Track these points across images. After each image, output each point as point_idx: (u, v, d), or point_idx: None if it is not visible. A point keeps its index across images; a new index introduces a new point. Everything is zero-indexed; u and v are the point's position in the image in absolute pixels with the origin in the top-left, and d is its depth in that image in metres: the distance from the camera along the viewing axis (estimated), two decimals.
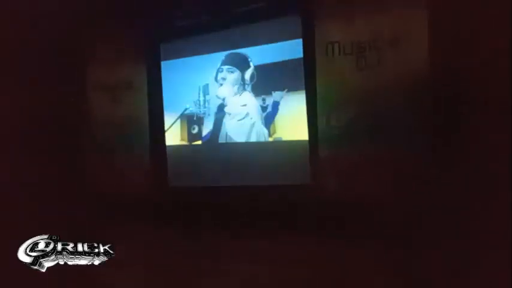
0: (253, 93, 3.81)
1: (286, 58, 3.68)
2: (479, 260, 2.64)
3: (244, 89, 3.84)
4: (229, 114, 3.91)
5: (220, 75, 3.96)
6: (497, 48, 2.66)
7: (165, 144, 4.23)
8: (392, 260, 2.97)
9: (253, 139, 3.79)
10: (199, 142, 4.11)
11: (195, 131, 4.10)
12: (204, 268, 3.56)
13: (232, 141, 3.93)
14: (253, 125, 3.79)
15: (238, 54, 3.90)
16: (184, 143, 4.18)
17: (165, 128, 4.22)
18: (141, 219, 3.93)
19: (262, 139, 3.78)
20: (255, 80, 3.81)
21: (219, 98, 3.95)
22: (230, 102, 3.91)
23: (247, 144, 3.87)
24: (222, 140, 3.98)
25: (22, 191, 3.56)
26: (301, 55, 3.58)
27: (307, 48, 3.52)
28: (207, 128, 4.05)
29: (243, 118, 3.83)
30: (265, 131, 3.75)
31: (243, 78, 3.85)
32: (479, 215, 2.67)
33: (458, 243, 2.73)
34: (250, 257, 3.48)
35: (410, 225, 2.92)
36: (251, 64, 3.83)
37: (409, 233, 2.92)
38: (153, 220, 3.93)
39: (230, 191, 3.85)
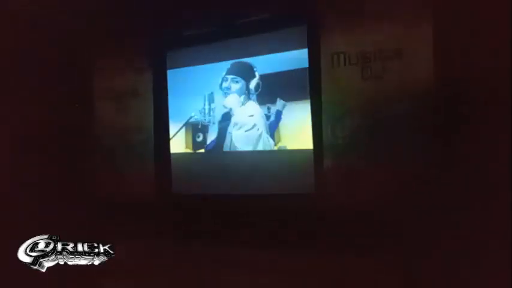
0: (258, 102, 3.81)
1: (292, 68, 3.69)
2: (480, 265, 2.62)
3: (249, 98, 3.86)
4: (237, 124, 3.91)
5: (224, 84, 3.98)
6: (501, 59, 2.66)
7: (169, 151, 4.25)
8: (396, 268, 2.95)
9: (259, 149, 3.79)
10: (204, 150, 4.13)
11: (200, 139, 4.11)
12: (206, 275, 3.54)
13: (238, 150, 3.92)
14: (260, 135, 3.79)
15: (244, 63, 3.92)
16: (189, 150, 4.18)
17: (170, 135, 4.24)
18: (144, 224, 3.92)
19: (268, 149, 3.77)
20: (259, 90, 3.82)
21: (226, 107, 3.96)
22: (237, 113, 3.91)
23: (251, 153, 3.87)
24: (226, 148, 3.98)
25: (25, 195, 3.59)
26: (306, 65, 3.60)
27: (313, 58, 3.54)
28: (211, 137, 4.06)
29: (251, 129, 3.84)
30: (272, 141, 3.76)
31: (247, 88, 3.87)
32: (481, 226, 2.65)
33: (461, 256, 2.72)
34: (253, 265, 3.45)
35: (415, 234, 2.91)
36: (256, 74, 3.84)
37: (414, 242, 2.91)
38: (156, 226, 3.92)
39: (234, 199, 3.84)
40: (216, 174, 4.01)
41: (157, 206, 4.07)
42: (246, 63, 3.91)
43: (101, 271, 2.88)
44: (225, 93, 3.98)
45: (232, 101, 3.93)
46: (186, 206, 4.01)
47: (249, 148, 3.84)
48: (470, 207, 2.70)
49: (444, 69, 2.91)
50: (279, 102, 3.71)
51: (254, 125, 3.82)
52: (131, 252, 3.58)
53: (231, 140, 3.95)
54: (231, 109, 3.94)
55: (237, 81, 3.94)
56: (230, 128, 3.95)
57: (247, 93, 3.87)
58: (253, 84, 3.86)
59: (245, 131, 3.85)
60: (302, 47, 3.62)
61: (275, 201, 3.63)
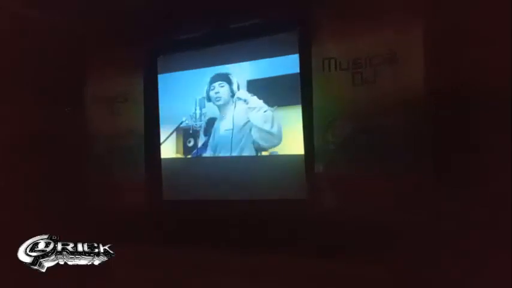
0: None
1: (283, 73, 3.72)
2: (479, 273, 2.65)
3: (234, 101, 3.95)
4: (255, 108, 3.86)
5: (212, 92, 4.03)
6: (497, 63, 2.71)
7: (160, 157, 4.22)
8: (388, 275, 2.96)
9: (275, 126, 3.75)
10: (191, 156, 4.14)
11: (191, 144, 4.11)
12: (197, 281, 3.53)
13: (259, 127, 3.85)
14: (273, 116, 3.78)
15: (219, 73, 4.01)
16: (180, 156, 4.17)
17: (161, 140, 4.22)
18: (134, 231, 3.88)
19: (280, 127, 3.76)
20: (239, 89, 3.90)
21: (240, 99, 3.93)
22: (251, 101, 3.89)
23: (243, 158, 3.88)
24: (218, 153, 3.99)
25: (23, 197, 3.56)
26: (297, 70, 3.63)
27: (304, 63, 3.57)
28: (202, 142, 4.06)
29: (266, 110, 3.81)
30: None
31: (231, 90, 3.95)
32: (478, 233, 2.68)
33: (457, 263, 2.74)
34: (244, 271, 3.45)
35: (407, 240, 2.92)
36: (232, 78, 3.94)
37: (406, 248, 2.92)
38: (146, 232, 3.89)
39: (224, 205, 3.83)
40: (207, 180, 4.00)
41: (148, 212, 4.04)
42: (221, 73, 4.00)
43: (91, 278, 2.88)
44: (216, 98, 4.01)
45: (244, 92, 3.92)
46: (177, 212, 3.99)
47: (269, 125, 3.79)
48: (465, 214, 2.72)
49: (436, 75, 2.95)
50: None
51: (268, 108, 3.82)
52: (121, 259, 3.55)
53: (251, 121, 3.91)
54: (246, 100, 3.90)
55: (223, 86, 3.99)
56: (250, 113, 3.91)
57: (231, 95, 3.95)
58: (235, 86, 3.93)
59: (264, 112, 3.81)
60: (293, 52, 3.66)
61: (266, 207, 3.63)
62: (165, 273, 3.66)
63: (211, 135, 4.02)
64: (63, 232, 2.89)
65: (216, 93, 4.01)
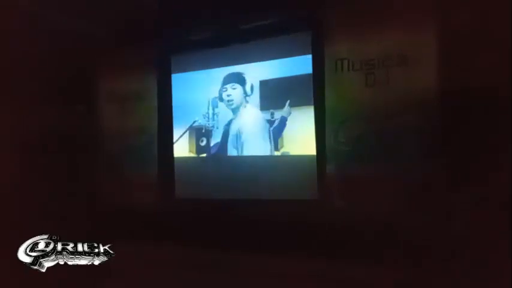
0: (261, 107, 3.86)
1: (296, 73, 3.70)
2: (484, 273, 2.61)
3: (247, 102, 3.93)
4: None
5: (224, 93, 4.03)
6: (507, 67, 2.67)
7: (173, 156, 4.25)
8: (399, 276, 2.92)
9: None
10: (206, 155, 4.15)
11: (203, 143, 4.12)
12: (208, 280, 3.53)
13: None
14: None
15: (234, 73, 4.01)
16: (192, 155, 4.19)
17: (174, 139, 4.25)
18: (147, 229, 3.92)
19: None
20: (253, 92, 3.89)
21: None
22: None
23: (254, 158, 3.87)
24: (230, 153, 3.99)
25: (26, 196, 3.60)
26: (310, 71, 3.61)
27: (317, 64, 3.55)
28: (215, 141, 4.07)
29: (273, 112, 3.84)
30: None
31: (245, 91, 3.93)
32: (488, 237, 2.65)
33: (468, 267, 2.71)
34: (256, 272, 3.44)
35: (419, 241, 2.90)
36: (246, 78, 3.93)
37: (418, 250, 2.89)
38: (158, 230, 3.91)
39: (236, 204, 3.83)
40: (219, 179, 4.01)
41: (160, 210, 4.06)
42: (235, 73, 3.99)
43: (102, 276, 2.89)
44: (228, 101, 4.01)
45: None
46: (189, 210, 4.01)
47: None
48: (476, 215, 2.69)
49: (448, 76, 2.91)
50: (287, 108, 3.73)
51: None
52: (132, 257, 3.58)
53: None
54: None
55: (235, 88, 3.99)
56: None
57: (244, 96, 3.94)
58: (248, 87, 3.92)
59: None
60: (306, 53, 3.63)
61: (278, 207, 3.62)
62: (175, 270, 3.67)
63: (224, 135, 4.03)
64: (73, 231, 2.92)
65: (228, 95, 4.01)
